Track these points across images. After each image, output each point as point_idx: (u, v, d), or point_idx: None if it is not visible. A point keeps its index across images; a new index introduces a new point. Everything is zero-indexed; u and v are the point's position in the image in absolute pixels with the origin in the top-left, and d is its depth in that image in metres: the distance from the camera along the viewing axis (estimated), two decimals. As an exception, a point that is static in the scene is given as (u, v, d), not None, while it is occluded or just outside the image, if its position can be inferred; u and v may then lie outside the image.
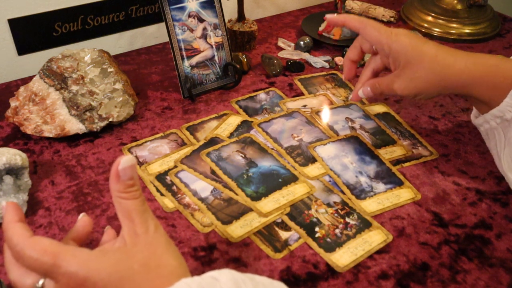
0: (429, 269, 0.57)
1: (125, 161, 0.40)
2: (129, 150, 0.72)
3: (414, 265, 0.57)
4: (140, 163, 0.70)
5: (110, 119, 0.75)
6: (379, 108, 0.83)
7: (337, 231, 0.61)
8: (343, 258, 0.58)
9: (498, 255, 0.59)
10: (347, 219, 0.62)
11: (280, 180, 0.67)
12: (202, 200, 0.64)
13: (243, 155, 0.70)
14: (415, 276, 0.56)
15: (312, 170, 0.69)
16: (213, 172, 0.68)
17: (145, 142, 0.74)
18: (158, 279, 0.39)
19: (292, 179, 0.67)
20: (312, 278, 0.55)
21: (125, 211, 0.41)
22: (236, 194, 0.65)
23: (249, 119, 0.79)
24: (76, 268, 0.38)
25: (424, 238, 0.61)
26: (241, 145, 0.72)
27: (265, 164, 0.70)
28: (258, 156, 0.71)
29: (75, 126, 0.73)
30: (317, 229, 0.61)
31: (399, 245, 0.60)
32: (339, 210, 0.63)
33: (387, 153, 0.73)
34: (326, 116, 0.81)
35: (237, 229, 0.60)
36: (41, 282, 0.40)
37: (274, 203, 0.64)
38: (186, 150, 0.72)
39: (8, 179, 0.61)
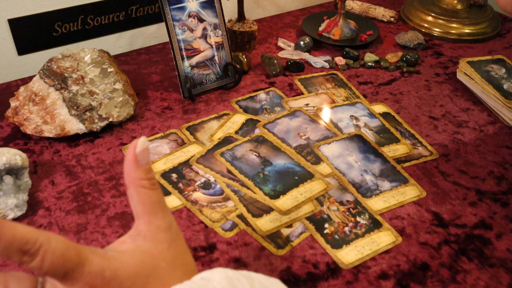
0: (429, 269, 0.57)
1: (142, 142, 0.35)
2: (129, 150, 0.73)
3: (414, 265, 0.57)
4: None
5: (110, 119, 0.75)
6: (379, 108, 0.83)
7: (346, 229, 0.61)
8: (349, 255, 0.58)
9: (498, 255, 0.59)
10: (358, 218, 0.63)
11: (296, 177, 0.68)
12: (235, 192, 0.65)
13: (257, 154, 0.71)
14: (415, 276, 0.56)
15: (325, 168, 0.70)
16: (229, 171, 0.68)
17: (145, 142, 0.74)
18: (184, 277, 0.37)
19: (308, 176, 0.68)
20: (312, 278, 0.55)
21: (147, 203, 0.36)
22: (254, 193, 0.65)
23: (254, 117, 0.80)
24: (101, 267, 0.33)
25: (424, 238, 0.61)
26: (254, 144, 0.73)
27: (280, 162, 0.70)
28: (272, 155, 0.71)
29: (75, 126, 0.73)
30: (326, 225, 0.62)
31: (399, 245, 0.60)
32: (351, 209, 0.64)
33: (391, 151, 0.74)
34: (331, 114, 0.81)
35: (267, 223, 0.61)
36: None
37: (293, 200, 0.64)
38: (201, 150, 0.72)
39: (8, 179, 0.61)
